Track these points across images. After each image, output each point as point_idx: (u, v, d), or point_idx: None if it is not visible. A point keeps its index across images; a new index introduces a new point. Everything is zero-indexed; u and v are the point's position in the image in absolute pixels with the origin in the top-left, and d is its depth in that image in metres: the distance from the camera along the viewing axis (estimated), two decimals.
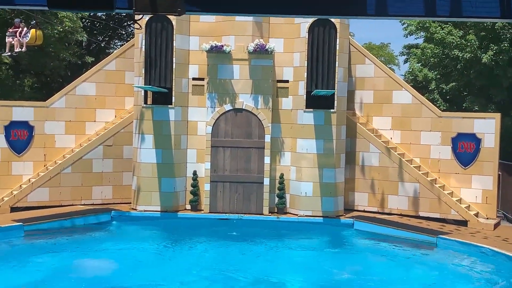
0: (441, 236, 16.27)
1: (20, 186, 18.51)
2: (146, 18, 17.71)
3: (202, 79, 18.79)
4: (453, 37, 24.56)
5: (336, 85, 18.10)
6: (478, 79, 24.69)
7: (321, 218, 18.24)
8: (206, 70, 18.61)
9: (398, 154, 18.85)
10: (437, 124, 18.85)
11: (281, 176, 18.72)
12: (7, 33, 17.34)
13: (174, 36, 18.30)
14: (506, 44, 23.28)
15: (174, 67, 18.36)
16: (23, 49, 17.16)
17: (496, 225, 17.83)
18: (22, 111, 18.78)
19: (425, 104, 19.18)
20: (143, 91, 18.51)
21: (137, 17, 6.11)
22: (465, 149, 18.54)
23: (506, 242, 15.79)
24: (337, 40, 18.10)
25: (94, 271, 13.34)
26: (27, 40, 16.93)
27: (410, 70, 28.60)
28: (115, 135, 19.33)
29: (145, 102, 18.63)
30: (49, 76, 28.45)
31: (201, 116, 18.76)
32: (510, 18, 6.44)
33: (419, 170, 18.69)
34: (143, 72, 18.25)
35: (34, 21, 17.35)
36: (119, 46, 30.53)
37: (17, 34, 16.94)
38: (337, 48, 18.11)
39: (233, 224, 17.86)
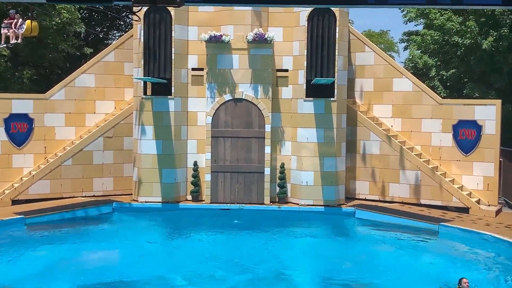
0: (443, 224, 16.28)
1: (21, 178, 18.50)
2: (144, 9, 17.59)
3: (202, 69, 18.72)
4: (452, 23, 24.42)
5: (336, 73, 18.03)
6: (478, 66, 24.58)
7: (323, 207, 18.24)
8: (205, 60, 18.53)
9: (399, 142, 18.81)
10: (437, 112, 18.80)
11: (282, 166, 18.69)
12: (2, 25, 17.22)
13: (172, 26, 18.21)
14: (506, 30, 23.14)
15: (173, 57, 18.28)
16: (19, 41, 17.05)
17: (497, 212, 17.83)
18: (22, 104, 18.73)
19: (426, 92, 19.12)
20: (142, 82, 18.44)
21: (135, 8, 6.05)
22: (466, 136, 18.50)
23: (508, 229, 15.79)
24: (337, 28, 18.01)
25: (96, 263, 13.36)
26: (22, 32, 16.81)
27: (410, 57, 28.47)
28: (115, 126, 19.29)
29: (145, 93, 18.57)
30: (48, 68, 28.36)
31: (201, 106, 18.71)
32: (511, 5, 6.37)
33: (420, 158, 18.67)
34: (142, 63, 18.18)
35: (30, 13, 17.21)
36: (117, 37, 30.37)
37: (13, 25, 16.82)
38: (337, 36, 18.02)
39: (234, 214, 17.86)
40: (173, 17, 18.16)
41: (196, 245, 15.26)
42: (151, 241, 15.41)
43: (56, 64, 26.87)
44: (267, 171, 18.47)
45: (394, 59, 27.83)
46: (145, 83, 18.55)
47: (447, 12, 24.82)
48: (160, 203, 18.41)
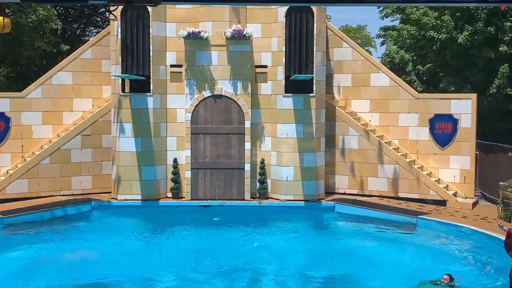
0: (421, 217, 16.49)
1: None
2: (121, 6, 17.47)
3: (180, 66, 18.68)
4: (428, 18, 24.66)
5: (314, 69, 18.13)
6: (454, 60, 24.86)
7: (303, 202, 18.35)
8: (184, 56, 18.49)
9: (377, 136, 19.00)
10: (414, 106, 19.01)
11: (262, 162, 18.77)
12: None
13: (150, 23, 18.14)
14: (481, 24, 23.44)
15: (151, 54, 18.21)
16: None
17: (474, 204, 18.10)
18: None
19: (403, 86, 19.32)
20: (120, 79, 18.35)
21: (112, 7, 6.03)
22: (443, 130, 18.75)
23: (484, 221, 16.05)
24: (314, 24, 18.10)
25: (75, 262, 13.27)
26: None
27: (387, 52, 28.65)
28: (93, 124, 19.18)
29: (123, 90, 18.48)
30: (25, 66, 28.02)
31: (180, 103, 18.68)
32: (485, 2, 6.50)
33: (398, 152, 18.88)
34: (120, 60, 18.08)
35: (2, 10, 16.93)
36: (94, 34, 30.14)
37: None
38: (315, 32, 18.12)
39: (215, 211, 17.89)
40: (150, 14, 18.08)
41: (177, 242, 15.24)
42: (131, 239, 15.36)
43: (32, 62, 26.57)
44: (247, 167, 18.52)
45: (371, 54, 28.05)
46: (123, 80, 18.46)
47: (423, 7, 25.06)
48: (140, 201, 18.36)
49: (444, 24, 24.14)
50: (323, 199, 18.73)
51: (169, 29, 18.66)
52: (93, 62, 19.62)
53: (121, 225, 16.84)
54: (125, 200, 18.38)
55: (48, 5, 22.81)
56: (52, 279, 12.05)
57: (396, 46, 28.52)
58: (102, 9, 29.26)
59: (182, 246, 14.93)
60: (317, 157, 18.66)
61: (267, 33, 18.67)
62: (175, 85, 18.74)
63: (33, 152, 18.80)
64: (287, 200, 18.44)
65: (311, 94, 18.34)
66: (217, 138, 18.53)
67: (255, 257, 13.90)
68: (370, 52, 42.55)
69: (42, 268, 12.80)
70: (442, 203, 18.13)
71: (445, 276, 11.17)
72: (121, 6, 17.20)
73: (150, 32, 18.17)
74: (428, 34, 24.82)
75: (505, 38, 24.07)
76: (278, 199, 18.58)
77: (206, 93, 18.45)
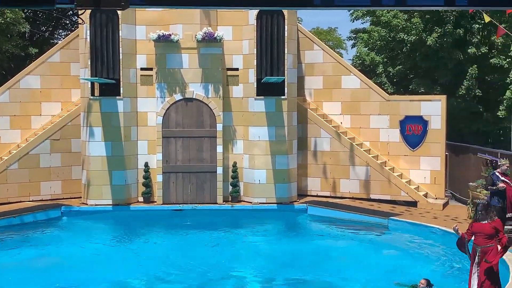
0: (392, 218, 16.61)
1: None
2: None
3: (151, 69, 18.52)
4: (398, 20, 24.90)
5: (286, 72, 18.14)
6: (424, 62, 25.15)
7: (275, 204, 18.34)
8: (154, 59, 18.34)
9: (348, 138, 19.09)
10: (385, 108, 19.15)
11: (234, 165, 18.70)
12: None
13: (120, 25, 17.95)
14: (450, 27, 23.74)
15: (121, 57, 18.02)
16: None
17: (445, 205, 18.30)
18: None
19: (373, 88, 19.46)
20: (89, 83, 18.11)
21: (80, 11, 5.92)
22: (413, 132, 18.91)
23: (454, 221, 16.16)
24: (285, 27, 18.11)
25: (44, 269, 13.02)
26: None
27: (357, 54, 28.88)
28: (62, 128, 18.89)
29: (92, 94, 18.25)
30: None
31: (151, 106, 18.52)
32: (453, 5, 6.53)
33: (369, 154, 18.99)
34: (89, 63, 17.85)
35: None
36: (63, 36, 29.76)
37: None
38: (286, 35, 18.13)
39: (187, 215, 17.77)
40: (120, 17, 17.90)
41: (149, 247, 15.10)
42: (102, 244, 15.16)
43: (0, 65, 26.12)
44: (219, 170, 18.43)
45: (342, 57, 28.18)
46: (92, 83, 18.23)
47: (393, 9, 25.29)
48: (111, 206, 18.13)
49: (414, 26, 24.40)
50: (295, 201, 18.74)
51: (139, 32, 18.49)
52: (61, 65, 19.34)
53: (92, 231, 16.61)
54: (96, 205, 18.14)
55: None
56: (19, 286, 11.82)
57: (366, 48, 28.76)
58: (70, 12, 28.88)
59: (154, 250, 14.80)
60: (289, 159, 18.67)
61: (238, 35, 18.63)
62: (146, 88, 18.58)
63: (1, 157, 18.45)
64: (260, 203, 18.40)
65: (282, 97, 18.35)
66: (188, 141, 18.41)
67: (228, 261, 13.83)
68: (341, 55, 42.81)
69: (9, 275, 12.53)
70: (413, 204, 18.29)
71: (422, 281, 11.10)
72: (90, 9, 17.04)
73: (120, 35, 17.97)
74: (398, 36, 25.07)
75: (473, 40, 24.43)
76: (251, 202, 18.53)
77: (177, 96, 18.33)
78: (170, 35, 17.97)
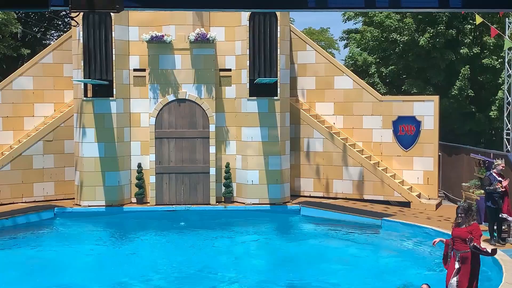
0: (385, 219, 16.65)
1: None
2: None
3: (144, 70, 18.50)
4: (391, 20, 24.97)
5: (278, 72, 18.16)
6: (416, 62, 25.23)
7: (268, 205, 18.35)
8: (147, 60, 18.32)
9: (341, 139, 19.13)
10: (378, 108, 19.20)
11: (227, 165, 18.70)
12: None
13: (112, 27, 17.91)
14: (442, 27, 23.84)
15: (114, 58, 17.98)
16: None
17: (438, 205, 18.37)
18: None
19: (366, 89, 19.50)
20: (82, 84, 18.07)
21: (74, 13, 5.91)
22: (406, 132, 18.97)
23: (448, 222, 16.21)
24: (278, 27, 18.14)
25: (38, 271, 12.99)
26: None
27: (350, 54, 28.93)
28: (55, 129, 18.83)
29: (85, 95, 18.20)
30: None
31: (143, 107, 18.50)
32: (447, 7, 6.57)
33: (362, 154, 19.03)
34: (82, 64, 17.80)
35: None
36: (56, 37, 29.68)
37: None
38: (278, 35, 18.15)
39: (180, 216, 17.73)
40: (113, 18, 17.86)
41: (142, 248, 15.08)
42: (95, 246, 15.12)
43: None
44: (212, 171, 18.43)
45: (334, 57, 28.26)
46: (85, 85, 18.18)
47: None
48: (104, 207, 18.09)
49: (406, 27, 24.48)
50: (288, 202, 18.75)
51: (132, 33, 18.47)
52: (54, 66, 19.28)
53: (85, 232, 16.55)
54: (89, 206, 18.10)
55: None
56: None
57: (359, 49, 28.82)
58: (63, 13, 28.81)
59: (148, 251, 14.78)
60: (282, 160, 18.69)
61: (231, 36, 18.63)
62: (139, 89, 18.55)
63: None
64: (253, 203, 18.41)
65: (275, 98, 18.37)
66: (181, 142, 18.40)
67: (221, 262, 13.82)
68: (333, 55, 42.89)
69: (1, 277, 12.47)
70: (407, 204, 18.34)
71: (424, 286, 11.07)
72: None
73: (113, 36, 17.94)
74: (391, 36, 25.14)
75: (465, 41, 24.54)
76: (244, 203, 18.54)
77: (170, 97, 18.31)
78: (163, 36, 17.96)
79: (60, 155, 18.97)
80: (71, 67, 18.83)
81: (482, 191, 15.44)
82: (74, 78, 18.29)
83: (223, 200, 18.68)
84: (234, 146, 18.82)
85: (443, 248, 10.41)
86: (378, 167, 18.84)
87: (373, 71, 27.11)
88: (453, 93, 24.15)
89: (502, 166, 13.87)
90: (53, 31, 31.64)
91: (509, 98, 19.78)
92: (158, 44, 18.06)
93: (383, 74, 27.07)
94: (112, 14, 17.73)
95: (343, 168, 19.10)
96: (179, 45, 18.18)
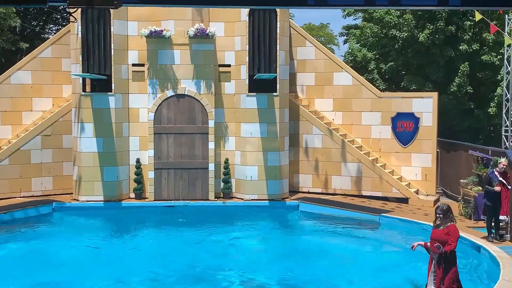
0: (383, 215, 16.66)
1: None
2: None
3: (142, 65, 18.46)
4: (391, 16, 24.95)
5: (278, 68, 18.13)
6: (415, 58, 25.23)
7: (267, 201, 18.35)
8: (146, 55, 18.28)
9: (340, 135, 19.12)
10: (377, 105, 19.19)
11: (226, 161, 18.69)
12: None
13: (111, 21, 17.87)
14: (441, 23, 23.83)
15: (112, 53, 17.95)
16: None
17: (436, 201, 18.36)
18: None
19: (365, 85, 19.49)
20: (81, 79, 18.04)
21: (72, 9, 5.89)
22: (405, 128, 18.97)
23: None
24: (278, 23, 18.10)
25: (35, 265, 12.99)
26: None
27: (349, 50, 28.91)
28: (54, 124, 18.81)
29: (84, 90, 18.18)
30: None
31: (142, 102, 18.47)
32: (446, 5, 6.56)
33: (361, 150, 19.04)
34: (81, 59, 17.77)
35: None
36: (54, 31, 29.61)
37: None
38: (278, 31, 18.11)
39: (179, 211, 17.74)
40: (111, 12, 17.81)
41: (140, 244, 15.06)
42: (92, 241, 15.11)
43: None
44: (211, 166, 18.42)
45: (334, 53, 28.25)
46: (83, 79, 18.15)
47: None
48: (102, 202, 18.09)
49: (406, 23, 24.46)
50: (287, 198, 18.76)
51: (130, 27, 18.42)
52: (53, 60, 19.24)
53: (83, 227, 16.54)
54: (87, 201, 18.09)
55: None
56: (9, 282, 11.77)
57: (358, 45, 28.80)
58: (61, 7, 28.73)
59: (146, 247, 14.77)
60: (281, 156, 18.68)
61: (230, 32, 18.59)
62: (137, 84, 18.52)
63: None
64: (252, 199, 18.41)
65: (274, 93, 18.34)
66: (180, 138, 18.38)
67: (219, 258, 13.82)
68: (333, 50, 42.89)
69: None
70: (405, 200, 18.36)
71: None
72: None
73: (112, 30, 17.90)
74: (390, 32, 25.12)
75: (465, 37, 24.54)
76: (243, 199, 18.54)
77: (169, 93, 18.29)
78: (162, 31, 17.92)
79: (59, 149, 18.95)
80: (69, 62, 18.79)
81: (480, 188, 15.46)
82: (73, 73, 18.25)
83: (221, 196, 18.68)
84: (233, 142, 18.81)
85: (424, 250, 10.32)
86: (377, 163, 18.84)
87: (372, 67, 27.11)
88: (452, 90, 24.16)
89: (503, 165, 13.77)
90: (51, 25, 31.56)
91: (508, 95, 19.79)
92: (157, 39, 18.02)
93: (383, 70, 27.07)
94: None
95: (341, 164, 19.10)
96: (178, 40, 18.14)
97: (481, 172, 16.09)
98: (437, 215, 9.92)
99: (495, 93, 24.10)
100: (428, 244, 10.07)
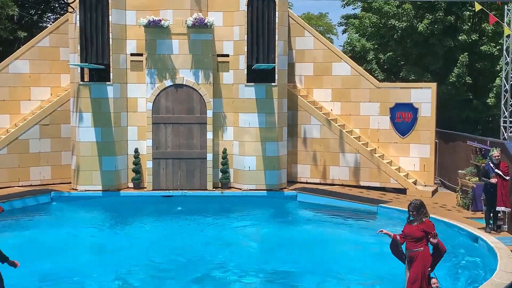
0: (381, 205, 16.69)
1: None
2: None
3: (141, 55, 18.42)
4: (390, 6, 24.85)
5: (276, 58, 18.09)
6: (414, 48, 25.13)
7: (265, 191, 18.38)
8: (144, 45, 18.23)
9: (338, 125, 19.12)
10: (375, 95, 19.18)
11: (224, 151, 18.70)
12: None
13: (110, 10, 17.80)
14: (441, 13, 23.73)
15: (111, 43, 17.89)
16: None
17: (434, 192, 18.42)
18: None
19: (364, 76, 19.47)
20: (79, 68, 17.99)
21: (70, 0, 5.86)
22: (403, 119, 18.98)
23: (443, 209, 16.34)
24: (276, 13, 18.05)
25: (33, 255, 13.01)
26: None
27: (348, 40, 28.81)
28: (52, 113, 18.79)
29: (82, 79, 18.14)
30: None
31: (140, 92, 18.44)
32: None
33: (359, 141, 19.04)
34: (79, 48, 17.72)
35: None
36: (52, 20, 29.47)
37: None
38: (277, 21, 18.06)
39: (177, 201, 17.77)
40: (110, 1, 17.74)
41: (138, 233, 15.09)
42: (91, 230, 15.14)
43: None
44: (209, 156, 18.43)
45: (333, 42, 28.18)
46: (82, 69, 18.11)
47: None
48: (101, 191, 18.11)
49: (405, 13, 24.36)
50: (285, 188, 18.79)
51: (129, 17, 18.35)
52: (51, 50, 19.19)
53: (82, 216, 16.59)
54: (85, 190, 18.12)
55: None
56: (6, 273, 11.78)
57: (357, 35, 28.70)
58: None
59: (144, 236, 14.80)
60: (279, 146, 18.69)
61: (229, 21, 18.53)
62: (136, 74, 18.48)
63: None
64: (250, 189, 18.44)
65: (273, 84, 18.31)
66: (178, 128, 18.37)
67: (217, 248, 13.86)
68: (331, 40, 42.77)
69: None
70: (403, 191, 18.40)
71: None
72: None
73: (110, 20, 17.84)
74: (389, 22, 25.02)
75: (464, 27, 24.45)
76: (241, 189, 18.56)
77: (167, 82, 18.26)
78: (160, 20, 17.85)
79: (57, 139, 18.94)
80: (67, 51, 18.75)
81: (478, 179, 15.49)
82: (71, 62, 18.21)
83: (220, 185, 18.70)
84: (231, 132, 18.80)
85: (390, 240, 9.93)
86: (375, 153, 18.86)
87: (371, 57, 27.01)
88: (451, 80, 24.10)
89: (495, 156, 13.76)
90: (49, 14, 31.39)
91: (507, 86, 19.77)
92: (155, 28, 17.97)
93: (381, 60, 26.98)
94: None
95: (340, 155, 19.12)
96: (176, 29, 18.09)
97: (479, 162, 16.11)
98: (410, 212, 9.50)
99: (494, 84, 24.05)
100: (398, 236, 9.70)
